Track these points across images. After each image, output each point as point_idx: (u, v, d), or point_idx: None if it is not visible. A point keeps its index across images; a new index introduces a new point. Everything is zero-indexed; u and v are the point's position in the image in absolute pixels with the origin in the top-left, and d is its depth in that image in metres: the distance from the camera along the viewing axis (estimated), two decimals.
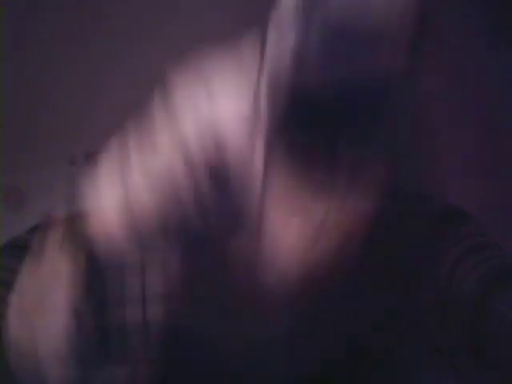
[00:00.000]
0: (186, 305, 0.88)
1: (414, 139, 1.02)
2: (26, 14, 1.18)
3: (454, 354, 0.88)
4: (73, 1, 1.19)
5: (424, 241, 0.89)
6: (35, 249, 0.86)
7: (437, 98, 1.11)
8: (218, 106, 0.80)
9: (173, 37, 1.17)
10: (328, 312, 0.86)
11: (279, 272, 0.83)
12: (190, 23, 1.18)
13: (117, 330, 0.90)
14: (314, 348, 0.86)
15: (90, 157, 1.13)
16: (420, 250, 0.89)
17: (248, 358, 0.86)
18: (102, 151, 0.84)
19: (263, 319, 0.85)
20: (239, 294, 0.85)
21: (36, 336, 0.83)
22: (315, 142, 0.79)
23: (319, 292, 0.84)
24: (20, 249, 0.89)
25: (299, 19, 0.77)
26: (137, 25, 1.19)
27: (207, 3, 1.19)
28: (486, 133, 1.16)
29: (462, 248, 0.88)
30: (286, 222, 0.82)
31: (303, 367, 0.86)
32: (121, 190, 0.81)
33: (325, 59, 0.76)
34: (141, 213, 0.81)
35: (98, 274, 0.88)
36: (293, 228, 0.82)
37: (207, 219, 0.81)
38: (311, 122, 0.78)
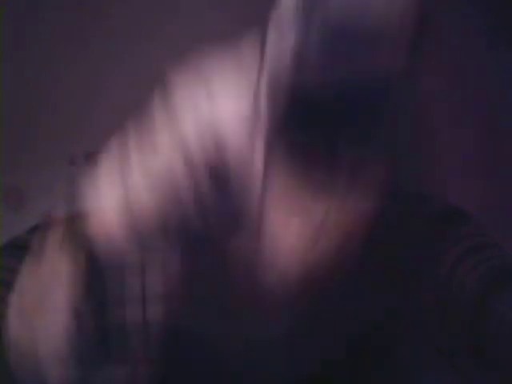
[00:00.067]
0: (186, 305, 0.88)
1: (414, 139, 1.02)
2: (26, 14, 1.18)
3: (454, 353, 0.88)
4: (73, 1, 1.19)
5: (424, 241, 0.89)
6: (35, 249, 0.86)
7: (437, 98, 1.11)
8: (217, 105, 0.80)
9: (173, 37, 1.17)
10: (328, 312, 0.86)
11: (279, 272, 0.83)
12: (190, 23, 1.18)
13: (117, 329, 0.90)
14: (314, 348, 0.86)
15: (90, 157, 1.13)
16: (420, 249, 0.89)
17: (248, 358, 0.86)
18: (102, 151, 0.84)
19: (263, 319, 0.85)
20: (239, 294, 0.85)
21: (36, 336, 0.83)
22: (315, 141, 0.79)
23: (319, 292, 0.84)
24: (20, 249, 0.89)
25: (299, 19, 0.77)
26: (137, 25, 1.19)
27: (207, 3, 1.19)
28: (486, 133, 1.16)
29: (462, 248, 0.88)
30: (286, 221, 0.82)
31: (303, 367, 0.86)
32: (121, 190, 0.81)
33: (325, 59, 0.76)
34: (141, 212, 0.81)
35: (98, 274, 0.88)
36: (293, 228, 0.82)
37: (207, 219, 0.81)
38: (311, 121, 0.78)
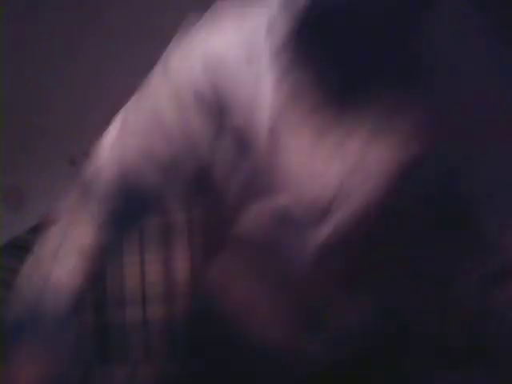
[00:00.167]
0: (186, 305, 0.88)
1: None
2: (26, 14, 1.18)
3: (454, 354, 0.88)
4: (73, 1, 1.19)
5: (424, 241, 0.89)
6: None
7: None
8: (216, 36, 0.78)
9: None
10: (328, 312, 0.86)
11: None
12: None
13: (117, 330, 0.90)
14: (314, 348, 0.86)
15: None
16: (420, 249, 0.89)
17: (248, 358, 0.86)
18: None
19: (263, 319, 0.85)
20: (239, 294, 0.85)
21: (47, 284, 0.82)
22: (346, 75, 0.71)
23: (319, 292, 0.84)
24: (20, 249, 0.89)
25: None
26: (137, 25, 1.19)
27: (207, 3, 1.19)
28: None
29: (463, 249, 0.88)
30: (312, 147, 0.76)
31: (303, 367, 0.86)
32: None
33: None
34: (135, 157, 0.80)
35: (98, 274, 0.88)
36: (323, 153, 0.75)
37: (206, 158, 0.78)
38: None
